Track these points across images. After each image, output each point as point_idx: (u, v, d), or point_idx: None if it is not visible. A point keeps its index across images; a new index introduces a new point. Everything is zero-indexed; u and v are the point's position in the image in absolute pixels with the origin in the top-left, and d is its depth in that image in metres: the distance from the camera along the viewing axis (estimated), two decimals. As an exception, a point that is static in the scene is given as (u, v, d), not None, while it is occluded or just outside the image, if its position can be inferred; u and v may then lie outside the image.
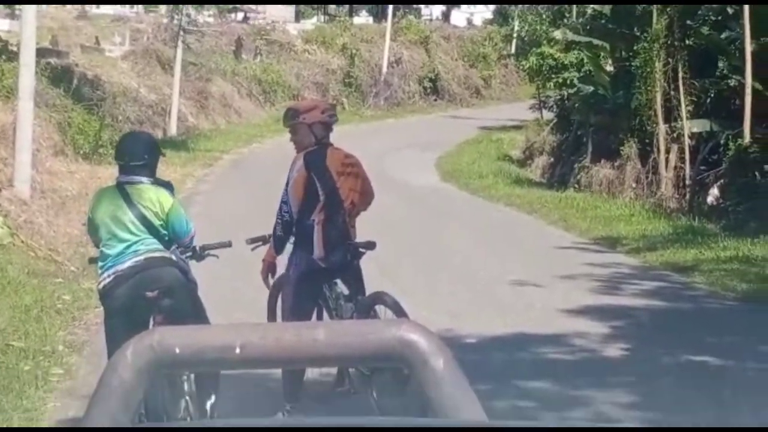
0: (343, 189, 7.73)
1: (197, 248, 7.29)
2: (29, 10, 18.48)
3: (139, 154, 7.14)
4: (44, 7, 31.80)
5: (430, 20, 65.67)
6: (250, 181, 24.01)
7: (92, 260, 7.49)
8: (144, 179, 7.05)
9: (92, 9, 48.93)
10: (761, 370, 9.56)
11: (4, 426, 7.68)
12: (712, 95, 23.34)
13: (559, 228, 20.99)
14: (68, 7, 47.70)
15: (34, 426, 7.86)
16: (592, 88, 27.35)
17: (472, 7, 70.42)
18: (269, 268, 7.84)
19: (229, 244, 7.47)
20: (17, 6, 28.26)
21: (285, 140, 7.86)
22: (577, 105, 28.64)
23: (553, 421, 7.35)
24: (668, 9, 23.46)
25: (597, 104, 27.02)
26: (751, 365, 9.77)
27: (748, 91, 21.03)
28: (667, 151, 23.85)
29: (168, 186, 7.30)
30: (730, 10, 22.02)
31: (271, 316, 7.85)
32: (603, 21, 26.71)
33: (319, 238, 7.61)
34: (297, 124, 7.86)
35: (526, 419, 6.90)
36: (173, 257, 7.05)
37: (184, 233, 7.16)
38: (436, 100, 54.10)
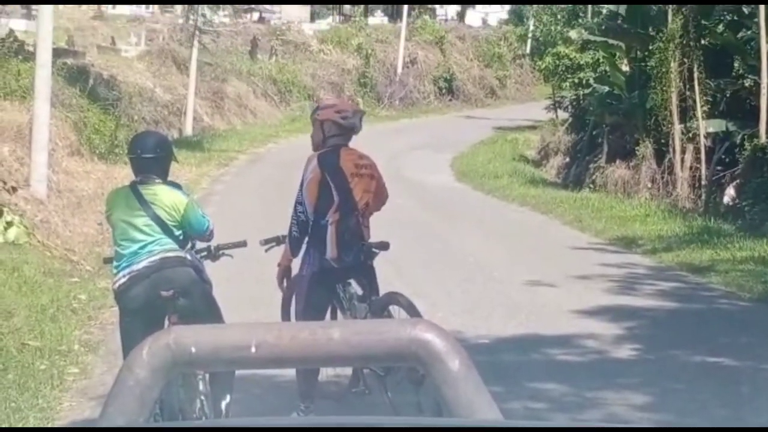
0: (356, 190, 7.69)
1: (212, 248, 7.30)
2: (45, 10, 18.52)
3: (150, 147, 7.16)
4: (60, 7, 31.84)
5: (445, 20, 65.62)
6: (266, 181, 23.99)
7: (107, 260, 7.51)
8: (157, 179, 7.07)
9: (108, 9, 49.01)
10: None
11: (20, 426, 7.70)
12: (728, 95, 23.30)
13: (574, 228, 20.97)
14: (84, 7, 47.78)
15: (49, 426, 7.88)
16: (607, 88, 27.36)
17: (487, 8, 70.34)
18: (285, 272, 7.80)
19: (244, 244, 7.47)
20: (34, 6, 28.34)
21: (300, 140, 7.92)
22: (592, 105, 28.63)
23: (566, 422, 7.35)
24: (683, 9, 23.42)
25: (612, 104, 27.02)
26: (767, 367, 9.76)
27: (764, 91, 21.00)
28: (683, 151, 23.81)
29: (178, 188, 7.30)
30: (746, 10, 21.98)
31: (286, 316, 7.84)
32: (618, 21, 26.66)
33: (333, 239, 7.59)
34: (312, 119, 7.89)
35: (539, 420, 6.91)
36: (188, 257, 7.06)
37: (203, 229, 7.17)
38: (451, 100, 54.09)
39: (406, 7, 55.48)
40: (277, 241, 7.94)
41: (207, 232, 7.23)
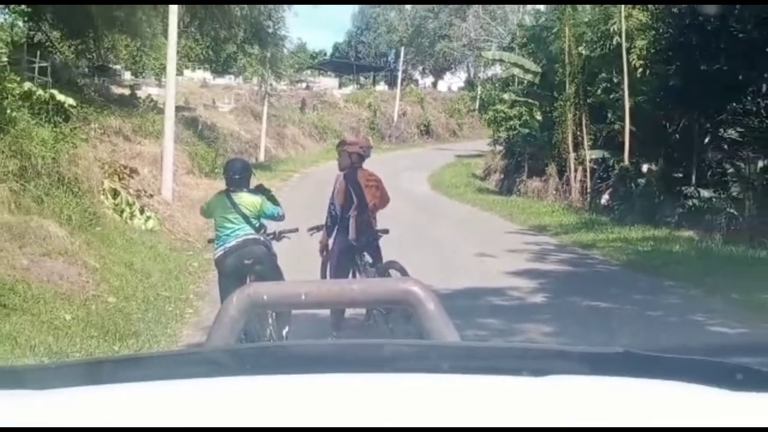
0: (368, 195, 7.74)
1: (276, 232, 7.30)
2: (171, 81, 18.55)
3: (238, 171, 7.18)
4: (179, 78, 31.86)
5: (425, 87, 65.68)
6: (311, 188, 23.98)
7: (210, 240, 7.50)
8: (241, 189, 7.09)
9: (210, 80, 49.10)
10: (633, 311, 9.56)
11: (153, 350, 7.70)
12: (604, 134, 23.29)
13: (506, 220, 21.00)
14: (195, 78, 47.83)
15: (174, 348, 7.88)
16: (527, 130, 27.37)
17: (451, 78, 70.40)
18: (323, 246, 7.87)
19: (296, 230, 7.50)
20: (163, 78, 28.30)
21: (331, 165, 7.93)
22: (518, 141, 28.64)
23: (501, 342, 7.35)
24: (576, 80, 23.44)
25: (530, 140, 27.06)
26: (628, 307, 9.76)
27: (627, 132, 20.99)
28: (575, 171, 23.83)
29: (259, 189, 7.31)
30: (615, 80, 21.95)
31: (323, 276, 7.84)
32: (534, 88, 26.66)
33: (353, 227, 7.65)
34: (341, 150, 7.92)
35: (483, 341, 6.89)
36: (261, 238, 7.07)
37: (275, 215, 7.20)
38: (428, 138, 54.13)
39: (399, 80, 55.64)
40: (318, 228, 7.94)
41: (278, 217, 7.24)
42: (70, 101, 14.25)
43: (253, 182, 7.41)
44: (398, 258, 7.67)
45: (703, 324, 8.85)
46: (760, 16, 15.41)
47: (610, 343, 7.13)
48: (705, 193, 17.22)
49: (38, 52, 20.84)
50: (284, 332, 6.81)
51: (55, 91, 14.05)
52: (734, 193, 16.39)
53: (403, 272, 7.16)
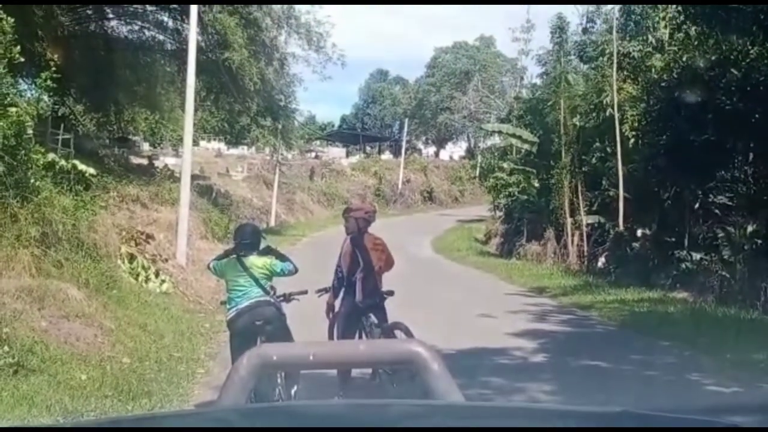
0: (373, 258, 7.72)
1: (286, 294, 7.27)
2: (187, 151, 18.75)
3: (248, 236, 7.20)
4: (195, 149, 32.19)
5: (427, 156, 66.24)
6: (318, 252, 23.97)
7: (222, 302, 7.48)
8: (251, 252, 7.09)
9: (225, 151, 49.59)
10: (630, 370, 9.45)
11: (165, 409, 7.60)
12: (599, 200, 23.38)
13: (506, 281, 20.92)
14: (210, 148, 48.31)
15: (184, 408, 7.79)
16: (526, 197, 27.47)
17: (453, 147, 70.99)
18: (330, 307, 7.82)
19: (305, 292, 7.46)
20: (180, 148, 28.59)
21: (339, 229, 7.92)
22: (517, 207, 28.74)
23: (503, 402, 7.25)
24: (571, 149, 23.63)
25: (529, 206, 27.15)
26: (626, 367, 9.65)
27: (621, 198, 21.06)
28: (572, 235, 23.83)
29: (267, 250, 7.24)
30: (609, 149, 22.11)
31: (330, 337, 7.79)
32: (532, 156, 26.86)
33: (360, 289, 7.62)
34: (348, 216, 7.93)
35: (486, 401, 6.81)
36: (271, 300, 7.05)
37: (287, 271, 7.12)
38: (430, 204, 54.43)
39: (403, 149, 56.16)
40: (326, 290, 7.91)
41: (289, 272, 7.14)
42: (91, 171, 14.37)
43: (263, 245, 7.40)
44: (403, 318, 7.62)
45: (698, 383, 8.74)
46: (744, 88, 15.59)
47: (608, 402, 7.03)
48: (697, 256, 17.19)
49: (62, 125, 21.11)
50: (293, 391, 6.73)
51: (76, 162, 14.18)
52: (725, 256, 16.35)
53: (408, 333, 7.11)
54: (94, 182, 14.65)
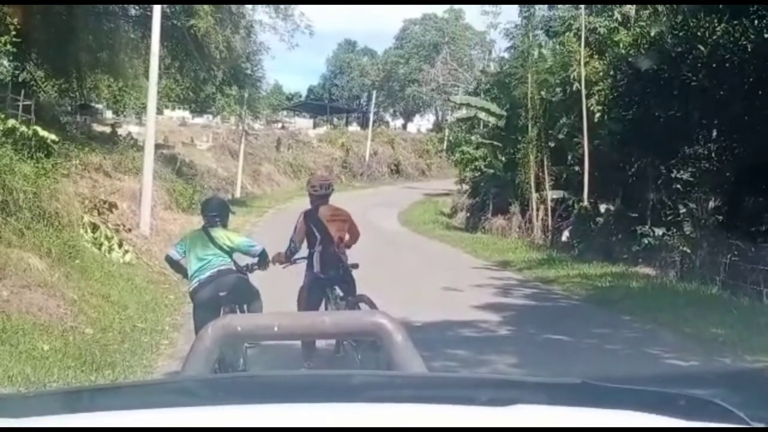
0: (332, 230, 7.69)
1: (248, 265, 7.22)
2: (151, 119, 18.51)
3: (214, 207, 7.20)
4: (159, 117, 31.74)
5: (395, 128, 66.11)
6: (284, 223, 23.90)
7: (167, 258, 7.27)
8: (218, 225, 7.07)
9: (190, 120, 48.99)
10: (593, 343, 9.59)
11: (128, 380, 7.58)
12: (564, 175, 23.56)
13: (471, 255, 21.06)
14: (174, 117, 47.70)
15: (150, 378, 7.77)
16: (492, 171, 27.58)
17: (420, 120, 70.97)
18: (279, 258, 7.51)
19: (267, 266, 7.39)
20: (143, 117, 28.23)
21: (306, 201, 7.86)
22: (483, 181, 28.86)
23: (468, 374, 7.33)
24: (538, 122, 23.74)
25: (495, 180, 27.26)
26: (588, 340, 9.80)
27: (586, 173, 21.24)
28: (537, 209, 24.04)
29: (233, 232, 7.27)
30: (575, 124, 22.26)
31: (299, 308, 7.78)
32: (499, 130, 26.94)
33: (317, 261, 7.60)
34: (308, 188, 7.93)
35: (449, 371, 6.88)
36: (233, 268, 7.04)
37: (251, 250, 7.14)
38: (398, 177, 54.40)
39: (371, 121, 55.97)
40: (289, 262, 7.75)
41: (254, 252, 7.14)
42: (53, 137, 14.12)
43: (231, 220, 7.36)
44: (368, 291, 7.63)
45: (658, 357, 8.91)
46: (710, 65, 15.73)
47: (569, 373, 7.15)
48: (659, 232, 17.42)
49: (23, 91, 20.70)
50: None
51: (37, 128, 13.93)
52: (687, 232, 16.59)
53: (372, 305, 7.13)
54: (55, 150, 14.40)
